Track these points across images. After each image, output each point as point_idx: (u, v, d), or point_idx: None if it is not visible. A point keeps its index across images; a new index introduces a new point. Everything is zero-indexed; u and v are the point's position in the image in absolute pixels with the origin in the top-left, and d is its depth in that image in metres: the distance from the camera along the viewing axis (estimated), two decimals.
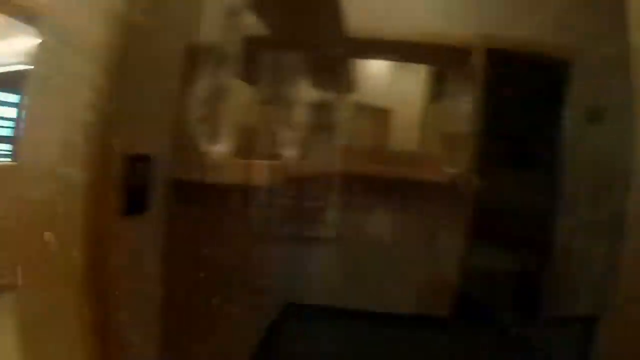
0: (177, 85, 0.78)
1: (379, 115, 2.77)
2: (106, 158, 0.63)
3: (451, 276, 2.55)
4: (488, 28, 2.57)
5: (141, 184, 0.74)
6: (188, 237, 0.96)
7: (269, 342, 2.03)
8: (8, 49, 2.53)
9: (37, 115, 0.67)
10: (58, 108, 0.64)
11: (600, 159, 2.66)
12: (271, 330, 2.10)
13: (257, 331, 1.80)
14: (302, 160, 1.97)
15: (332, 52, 2.09)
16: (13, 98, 2.95)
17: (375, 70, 2.83)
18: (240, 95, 1.39)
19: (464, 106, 2.56)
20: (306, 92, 2.62)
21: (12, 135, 2.89)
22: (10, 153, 2.78)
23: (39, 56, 0.66)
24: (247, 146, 1.30)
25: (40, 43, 0.66)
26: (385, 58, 2.76)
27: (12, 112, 2.99)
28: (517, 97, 2.67)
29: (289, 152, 1.60)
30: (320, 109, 2.77)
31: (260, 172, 0.91)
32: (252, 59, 1.64)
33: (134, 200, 0.73)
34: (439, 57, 2.67)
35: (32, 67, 0.67)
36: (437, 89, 2.76)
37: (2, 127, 2.98)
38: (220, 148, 0.89)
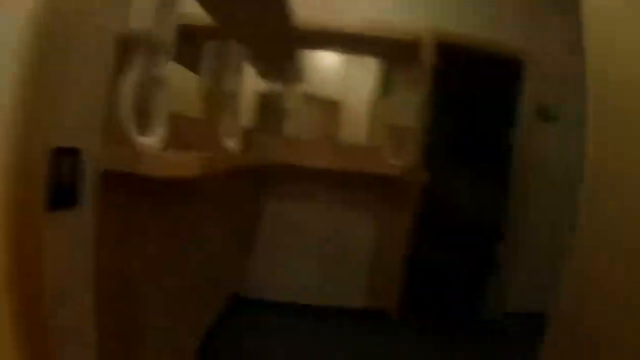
0: (106, 76, 0.75)
1: (328, 107, 2.78)
2: (27, 152, 0.60)
3: (397, 270, 2.59)
4: (440, 21, 2.62)
5: (70, 177, 0.71)
6: (120, 231, 0.93)
7: (214, 335, 2.02)
8: None
9: None
10: None
11: (551, 156, 2.80)
12: (217, 323, 2.08)
13: (199, 324, 1.78)
14: (245, 151, 1.94)
15: (279, 42, 2.07)
16: None
17: (325, 63, 2.83)
18: (180, 86, 1.36)
19: (412, 100, 2.60)
20: (253, 82, 2.58)
21: None
22: None
23: None
24: (186, 137, 1.27)
25: None
26: (334, 49, 2.76)
27: None
28: (467, 92, 2.74)
29: (232, 143, 1.57)
30: (268, 99, 2.75)
31: (194, 164, 0.90)
32: (197, 48, 1.60)
33: (63, 195, 0.70)
34: (388, 50, 2.70)
35: None
36: (387, 83, 2.79)
37: None
38: (152, 140, 0.87)
